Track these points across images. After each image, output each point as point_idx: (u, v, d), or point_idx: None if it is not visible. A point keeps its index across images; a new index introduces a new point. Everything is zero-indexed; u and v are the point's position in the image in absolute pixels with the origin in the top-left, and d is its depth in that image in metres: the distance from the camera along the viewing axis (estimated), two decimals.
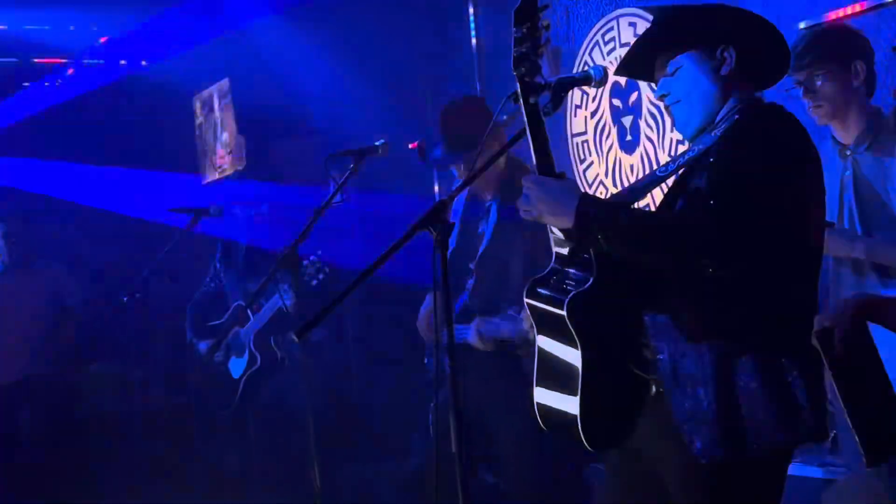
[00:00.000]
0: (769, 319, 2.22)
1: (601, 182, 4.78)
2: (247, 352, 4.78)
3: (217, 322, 4.92)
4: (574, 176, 4.87)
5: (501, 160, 3.66)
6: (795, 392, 2.18)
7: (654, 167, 4.45)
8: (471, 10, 5.61)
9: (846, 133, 3.12)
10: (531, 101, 2.30)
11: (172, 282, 6.68)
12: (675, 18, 2.39)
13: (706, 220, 2.17)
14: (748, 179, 2.17)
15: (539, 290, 2.33)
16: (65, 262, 6.23)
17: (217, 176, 7.42)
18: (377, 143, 3.84)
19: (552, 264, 2.36)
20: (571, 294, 2.23)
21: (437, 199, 4.48)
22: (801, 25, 3.78)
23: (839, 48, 3.07)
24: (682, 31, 2.37)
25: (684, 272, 2.24)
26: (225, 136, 7.23)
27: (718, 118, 2.36)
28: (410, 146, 5.82)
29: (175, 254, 5.28)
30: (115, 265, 6.43)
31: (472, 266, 3.76)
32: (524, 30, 2.29)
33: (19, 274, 5.92)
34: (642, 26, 4.39)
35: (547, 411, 2.36)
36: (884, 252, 2.99)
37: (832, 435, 3.22)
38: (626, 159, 4.65)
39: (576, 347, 2.24)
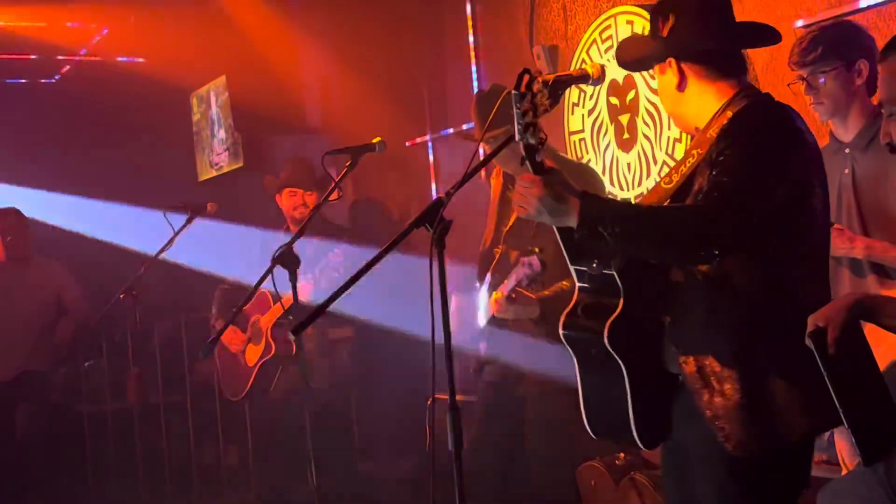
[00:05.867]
0: (786, 312, 2.28)
1: None
2: (263, 340, 4.72)
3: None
4: None
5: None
6: (816, 379, 2.19)
7: (651, 165, 4.45)
8: (468, 8, 5.61)
9: (846, 131, 3.11)
10: (538, 159, 2.34)
11: (168, 279, 6.68)
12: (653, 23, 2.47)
13: (706, 207, 2.23)
14: (744, 170, 2.23)
15: (573, 320, 2.44)
16: (61, 259, 6.21)
17: (214, 173, 7.41)
18: (374, 141, 3.84)
19: (576, 289, 2.45)
20: (610, 321, 2.32)
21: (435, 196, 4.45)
22: (798, 24, 3.78)
23: (845, 46, 3.05)
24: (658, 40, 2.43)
25: (699, 272, 2.29)
26: (222, 133, 7.22)
27: (713, 116, 2.38)
28: (408, 143, 5.81)
29: (172, 251, 5.26)
30: (111, 262, 6.41)
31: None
32: (525, 102, 2.31)
33: (16, 271, 5.90)
34: (640, 24, 4.39)
35: (596, 422, 2.49)
36: (883, 252, 2.98)
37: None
38: (623, 157, 4.64)
39: (619, 366, 2.34)
